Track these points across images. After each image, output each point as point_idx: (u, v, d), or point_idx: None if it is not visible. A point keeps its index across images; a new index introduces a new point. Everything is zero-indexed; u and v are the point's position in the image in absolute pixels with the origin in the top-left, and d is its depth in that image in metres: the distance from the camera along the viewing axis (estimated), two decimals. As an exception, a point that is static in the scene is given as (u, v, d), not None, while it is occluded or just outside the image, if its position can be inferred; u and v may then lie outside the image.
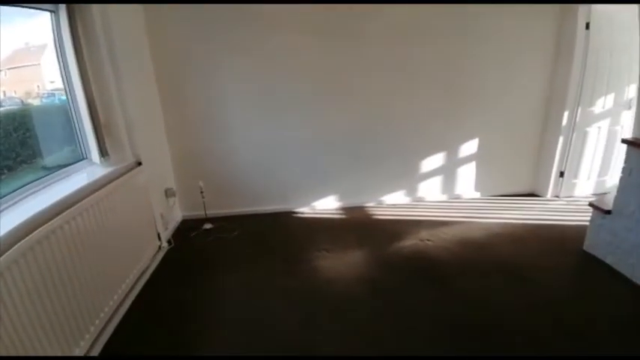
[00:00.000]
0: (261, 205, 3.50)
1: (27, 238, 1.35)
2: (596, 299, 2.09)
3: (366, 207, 3.59)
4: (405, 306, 2.08)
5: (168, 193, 3.07)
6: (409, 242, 2.83)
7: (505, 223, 3.10)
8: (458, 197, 3.72)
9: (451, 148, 3.53)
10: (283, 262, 2.62)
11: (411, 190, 3.64)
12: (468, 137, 3.51)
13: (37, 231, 1.40)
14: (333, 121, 3.31)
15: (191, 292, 2.30)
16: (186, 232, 3.14)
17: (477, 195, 3.74)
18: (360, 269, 2.51)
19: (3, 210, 1.53)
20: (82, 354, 1.62)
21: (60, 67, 2.07)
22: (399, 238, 2.90)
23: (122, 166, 2.26)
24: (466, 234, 2.93)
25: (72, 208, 1.65)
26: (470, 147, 3.54)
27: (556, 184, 3.61)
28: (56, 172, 1.95)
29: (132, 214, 2.26)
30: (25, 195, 1.69)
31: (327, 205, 3.59)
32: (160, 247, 2.71)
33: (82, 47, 2.09)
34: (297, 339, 1.85)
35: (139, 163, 2.46)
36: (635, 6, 2.62)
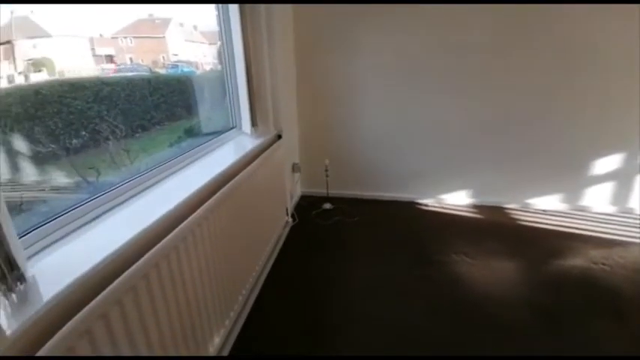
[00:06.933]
0: (380, 191, 3.24)
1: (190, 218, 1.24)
2: None
3: (506, 208, 3.04)
4: (587, 346, 1.63)
5: (295, 169, 3.02)
6: (576, 263, 2.27)
7: None
8: (631, 211, 2.91)
9: (631, 148, 2.72)
10: (413, 261, 2.33)
11: (571, 196, 2.95)
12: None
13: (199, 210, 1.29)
14: (478, 109, 2.81)
15: (320, 278, 2.19)
16: (307, 209, 3.06)
17: (663, 212, 2.87)
18: (513, 286, 2.08)
19: (172, 174, 1.54)
20: (214, 351, 1.45)
21: (223, 42, 2.12)
22: (561, 255, 2.35)
23: (267, 139, 2.21)
24: (655, 262, 2.24)
25: (227, 186, 1.52)
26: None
27: None
28: (213, 140, 1.97)
29: (270, 190, 2.20)
30: (186, 162, 1.68)
31: (455, 200, 3.15)
32: (286, 223, 2.68)
33: (247, 29, 2.12)
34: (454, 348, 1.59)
35: (279, 136, 2.39)
36: None
